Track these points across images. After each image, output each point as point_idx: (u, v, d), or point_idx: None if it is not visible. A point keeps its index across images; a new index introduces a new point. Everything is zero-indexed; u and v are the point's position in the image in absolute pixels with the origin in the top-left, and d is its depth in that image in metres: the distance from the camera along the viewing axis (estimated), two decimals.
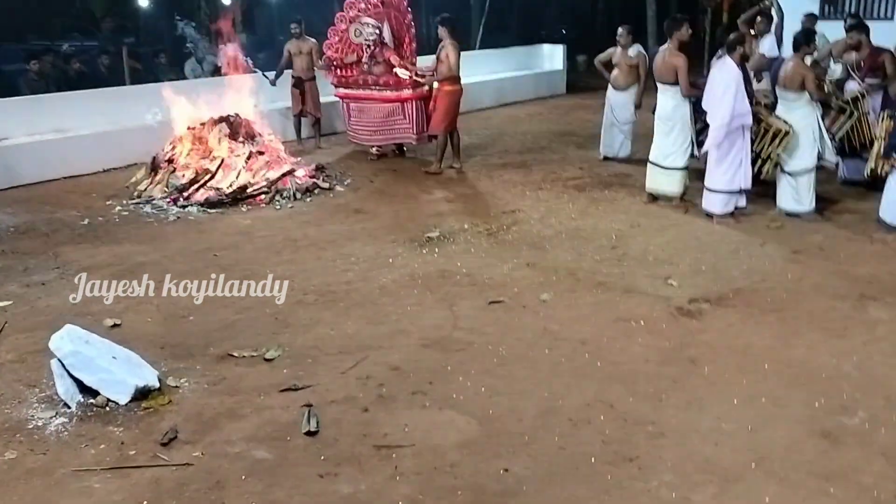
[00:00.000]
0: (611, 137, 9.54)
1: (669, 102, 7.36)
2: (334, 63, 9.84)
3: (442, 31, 8.89)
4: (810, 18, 9.69)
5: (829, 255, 6.14)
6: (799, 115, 6.87)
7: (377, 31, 9.31)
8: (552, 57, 16.29)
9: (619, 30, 9.27)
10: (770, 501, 3.19)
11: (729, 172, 6.89)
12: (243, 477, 3.40)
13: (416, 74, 9.26)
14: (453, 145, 9.28)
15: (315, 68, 10.22)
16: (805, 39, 6.94)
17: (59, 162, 8.81)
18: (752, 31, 8.86)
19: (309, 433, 3.72)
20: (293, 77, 10.32)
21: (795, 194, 7.04)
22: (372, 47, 9.39)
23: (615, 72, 9.30)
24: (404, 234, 6.83)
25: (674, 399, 4.00)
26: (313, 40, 10.26)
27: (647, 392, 4.07)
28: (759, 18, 8.96)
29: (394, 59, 9.33)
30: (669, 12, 19.06)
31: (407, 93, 9.37)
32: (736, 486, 3.29)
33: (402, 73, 9.22)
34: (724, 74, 6.74)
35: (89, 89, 10.31)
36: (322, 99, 10.64)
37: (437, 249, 6.43)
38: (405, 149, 10.09)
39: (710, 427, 3.74)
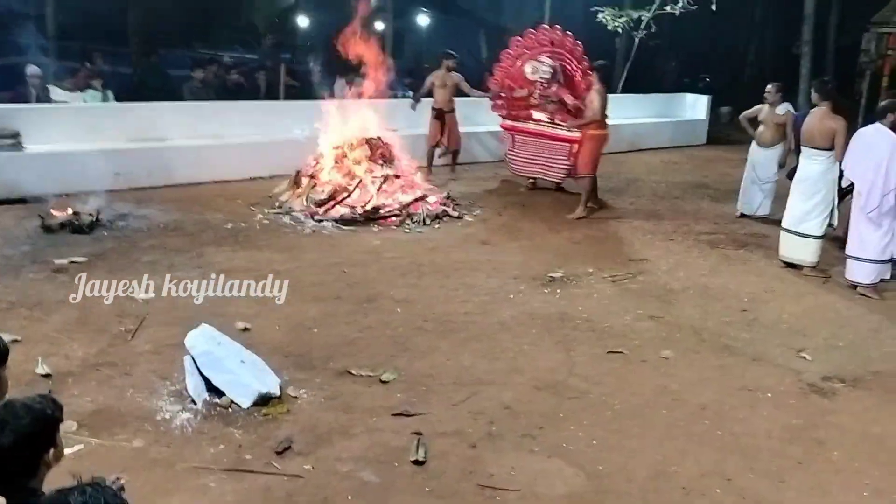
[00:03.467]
0: (750, 195, 9.23)
1: (818, 167, 7.03)
2: (502, 94, 10.08)
3: (591, 77, 9.01)
4: None
5: None
6: None
7: (552, 71, 9.51)
8: (695, 106, 15.93)
9: (769, 87, 8.99)
10: None
11: (884, 240, 6.54)
12: (349, 497, 3.48)
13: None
14: (594, 190, 9.31)
15: (471, 95, 10.45)
16: None
17: (211, 166, 9.37)
18: None
19: (416, 462, 3.77)
20: (434, 109, 10.51)
21: None
22: (546, 85, 9.59)
23: (761, 128, 9.02)
24: (528, 271, 6.83)
25: (796, 481, 3.79)
26: (458, 75, 10.48)
27: (769, 469, 3.87)
28: None
29: (567, 98, 9.49)
30: (825, 71, 18.26)
31: (578, 134, 9.26)
32: None
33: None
34: (881, 140, 6.42)
35: (246, 101, 10.94)
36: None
37: (559, 290, 6.39)
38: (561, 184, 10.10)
39: None
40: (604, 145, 9.19)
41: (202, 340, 4.33)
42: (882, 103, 6.79)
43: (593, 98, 8.83)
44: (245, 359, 4.36)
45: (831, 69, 20.87)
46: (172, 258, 6.59)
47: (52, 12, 12.39)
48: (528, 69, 9.70)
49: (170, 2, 16.01)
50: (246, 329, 5.22)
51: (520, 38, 9.95)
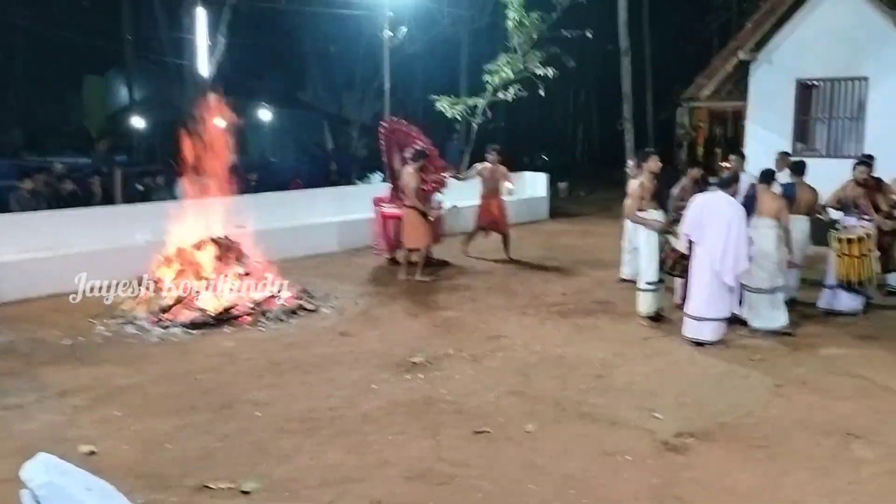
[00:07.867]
0: (632, 262, 9.76)
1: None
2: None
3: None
4: (783, 156, 10.07)
5: (813, 388, 6.16)
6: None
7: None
8: (534, 184, 16.73)
9: (629, 162, 9.77)
10: None
11: (725, 298, 7.08)
12: None
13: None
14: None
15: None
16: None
17: (46, 280, 8.76)
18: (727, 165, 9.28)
19: None
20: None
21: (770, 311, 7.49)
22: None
23: (627, 201, 9.63)
24: (389, 359, 6.80)
25: None
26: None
27: None
28: (732, 156, 9.38)
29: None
30: (647, 143, 19.89)
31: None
32: None
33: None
34: (729, 209, 7.05)
35: (81, 208, 10.44)
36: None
37: (421, 375, 6.40)
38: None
39: None
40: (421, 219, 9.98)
41: (41, 471, 3.95)
42: (724, 175, 7.58)
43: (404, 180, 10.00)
44: (91, 486, 4.01)
45: (652, 141, 22.73)
46: (4, 384, 6.07)
47: None
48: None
49: None
50: (92, 453, 4.85)
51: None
